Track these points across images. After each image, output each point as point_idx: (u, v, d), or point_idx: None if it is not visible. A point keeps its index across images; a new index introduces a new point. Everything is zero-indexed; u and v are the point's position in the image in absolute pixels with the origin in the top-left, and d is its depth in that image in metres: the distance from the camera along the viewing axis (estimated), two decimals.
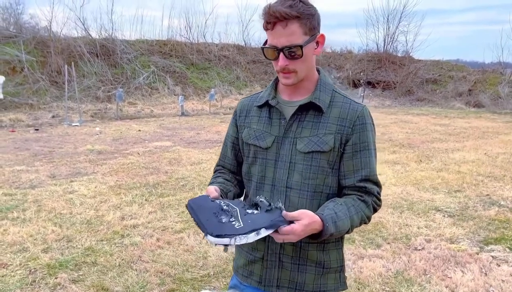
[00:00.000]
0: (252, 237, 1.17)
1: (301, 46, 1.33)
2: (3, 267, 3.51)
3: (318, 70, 1.50)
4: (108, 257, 3.75)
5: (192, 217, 1.26)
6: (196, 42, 21.44)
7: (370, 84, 23.66)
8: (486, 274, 3.60)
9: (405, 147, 9.66)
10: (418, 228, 4.63)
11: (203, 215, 1.24)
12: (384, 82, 23.71)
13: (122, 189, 5.85)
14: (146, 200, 5.42)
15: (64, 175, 6.56)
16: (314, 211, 1.32)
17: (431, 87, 23.45)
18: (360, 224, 1.42)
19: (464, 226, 4.71)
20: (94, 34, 18.68)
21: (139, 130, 11.68)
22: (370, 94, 22.77)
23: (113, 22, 20.48)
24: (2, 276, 3.35)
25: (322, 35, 1.42)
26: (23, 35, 16.22)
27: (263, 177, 1.48)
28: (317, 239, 1.31)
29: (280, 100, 1.49)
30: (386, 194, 5.86)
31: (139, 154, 8.35)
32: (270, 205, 1.28)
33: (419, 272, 3.61)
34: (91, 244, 4.01)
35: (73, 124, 12.47)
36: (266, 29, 1.35)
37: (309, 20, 1.34)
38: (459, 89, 22.48)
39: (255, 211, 1.28)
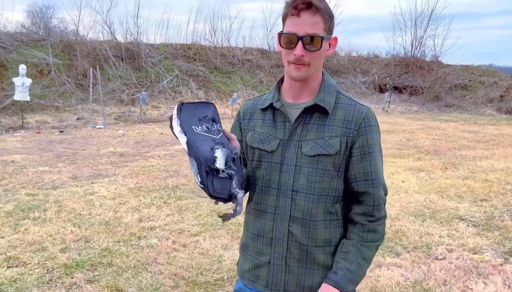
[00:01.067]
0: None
1: (322, 38, 1.34)
2: (22, 266, 3.62)
3: (321, 72, 1.50)
4: (124, 258, 3.82)
5: (172, 116, 1.32)
6: (220, 46, 21.64)
7: (396, 89, 23.34)
8: (510, 286, 3.49)
9: (431, 153, 9.48)
10: (440, 237, 4.54)
11: (187, 111, 1.32)
12: (411, 87, 23.35)
13: (142, 191, 5.94)
14: (164, 202, 5.49)
15: (86, 176, 6.71)
16: (320, 214, 1.40)
17: (461, 93, 22.96)
18: (376, 250, 1.48)
19: (488, 236, 4.59)
20: (119, 38, 19.13)
21: (162, 133, 11.85)
22: (397, 100, 22.47)
23: (139, 26, 20.90)
24: (21, 274, 3.45)
25: (336, 38, 1.43)
26: (51, 38, 16.73)
27: (269, 181, 1.47)
28: None
29: (284, 103, 1.49)
30: (409, 201, 5.77)
31: (160, 156, 8.47)
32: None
33: (439, 282, 3.54)
34: (108, 245, 4.09)
35: (97, 126, 12.75)
36: (290, 15, 1.34)
37: (330, 20, 1.36)
38: (490, 95, 21.93)
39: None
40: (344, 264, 1.40)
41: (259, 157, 1.51)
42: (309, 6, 1.31)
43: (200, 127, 1.31)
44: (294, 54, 1.34)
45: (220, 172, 1.25)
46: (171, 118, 1.32)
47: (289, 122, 1.45)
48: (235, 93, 17.55)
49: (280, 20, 1.45)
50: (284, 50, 1.38)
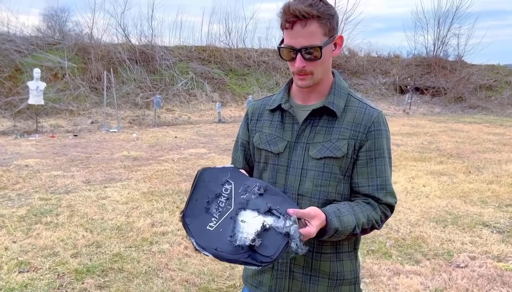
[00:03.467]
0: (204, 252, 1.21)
1: (320, 48, 1.32)
2: (33, 271, 3.67)
3: (333, 73, 1.49)
4: (135, 264, 3.84)
5: (193, 182, 1.32)
6: (235, 47, 21.71)
7: (418, 90, 23.06)
8: None
9: (454, 157, 9.32)
10: (462, 243, 4.45)
11: (200, 192, 1.29)
12: (434, 88, 23.04)
13: (154, 196, 5.98)
14: (177, 207, 5.52)
15: (99, 181, 6.79)
16: None
17: (485, 93, 22.55)
18: (369, 225, 1.38)
19: None
20: (134, 41, 19.35)
21: (176, 137, 11.94)
22: (418, 101, 22.20)
23: (153, 28, 21.13)
24: (31, 280, 3.50)
25: (341, 37, 1.40)
26: (66, 42, 17.03)
27: (274, 184, 1.46)
28: (322, 237, 1.29)
29: (293, 104, 1.48)
30: (430, 206, 5.68)
31: (173, 160, 8.53)
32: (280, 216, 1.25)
33: (460, 291, 3.46)
34: (120, 250, 4.12)
35: (111, 130, 12.92)
36: (284, 28, 1.34)
37: (329, 21, 1.33)
38: None
39: (247, 225, 1.24)
40: (334, 205, 1.37)
41: (265, 158, 1.50)
42: (301, 17, 1.28)
43: (212, 217, 1.27)
44: (296, 67, 1.35)
45: (255, 245, 1.20)
46: (183, 223, 1.29)
47: (297, 124, 1.44)
48: (250, 96, 17.58)
49: None
50: (287, 61, 1.39)
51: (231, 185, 1.32)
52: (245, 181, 1.34)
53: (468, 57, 32.30)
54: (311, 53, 1.32)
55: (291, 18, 1.29)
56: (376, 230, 1.45)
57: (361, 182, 1.42)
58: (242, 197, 1.29)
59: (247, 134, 1.59)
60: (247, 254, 1.19)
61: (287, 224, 1.20)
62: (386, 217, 1.44)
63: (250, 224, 1.22)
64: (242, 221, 1.24)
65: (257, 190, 1.30)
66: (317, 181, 1.41)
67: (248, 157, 1.62)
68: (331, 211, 1.31)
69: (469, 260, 4.05)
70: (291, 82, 1.53)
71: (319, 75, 1.39)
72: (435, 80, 23.39)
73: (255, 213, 1.24)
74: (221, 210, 1.27)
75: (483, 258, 4.10)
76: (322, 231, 1.28)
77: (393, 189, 1.45)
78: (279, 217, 1.22)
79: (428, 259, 4.08)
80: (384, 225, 1.49)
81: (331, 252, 1.43)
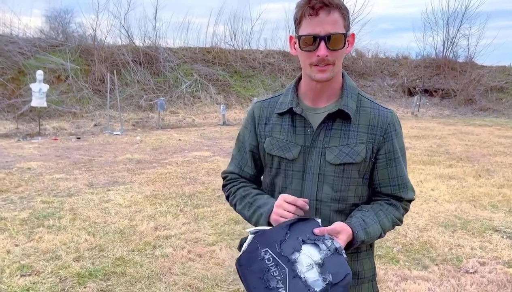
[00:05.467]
0: None
1: (345, 35, 1.34)
2: (35, 274, 3.70)
3: (342, 74, 1.50)
4: (138, 268, 3.86)
5: (240, 278, 1.30)
6: (240, 49, 21.76)
7: (427, 92, 22.99)
8: None
9: (463, 160, 9.29)
10: (472, 249, 4.43)
11: (251, 279, 1.27)
12: (443, 90, 22.96)
13: (158, 199, 6.01)
14: (180, 210, 5.54)
15: (102, 184, 6.83)
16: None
17: (496, 95, 22.43)
18: (393, 226, 1.47)
19: None
20: (137, 42, 19.45)
21: (180, 139, 11.98)
22: (427, 103, 22.13)
23: (157, 29, 21.19)
24: (33, 283, 3.53)
25: (353, 35, 1.42)
26: (69, 43, 17.16)
27: (290, 190, 1.45)
28: (349, 248, 1.35)
29: (304, 107, 1.46)
30: (438, 211, 5.67)
31: (177, 163, 8.56)
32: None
33: None
34: (122, 254, 4.14)
35: (114, 133, 12.98)
36: (307, 16, 1.33)
37: (347, 15, 1.37)
38: None
39: (308, 271, 1.25)
40: (359, 214, 1.41)
41: (278, 164, 1.49)
42: (327, 4, 1.31)
43: (279, 289, 1.24)
44: (318, 56, 1.33)
45: (328, 280, 1.23)
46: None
47: (311, 128, 1.43)
48: (255, 98, 17.59)
49: None
50: (304, 52, 1.37)
51: (268, 251, 1.30)
52: (274, 237, 1.32)
53: (479, 58, 32.04)
54: (336, 41, 1.33)
55: (318, 4, 1.30)
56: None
57: (382, 183, 1.46)
58: (284, 254, 1.29)
59: (255, 139, 1.56)
60: (333, 289, 1.22)
61: (328, 243, 1.27)
62: (407, 211, 1.52)
63: (308, 272, 1.25)
64: (303, 272, 1.25)
65: (284, 236, 1.31)
66: (336, 186, 1.42)
67: (256, 161, 1.59)
68: (357, 224, 1.36)
69: (479, 265, 4.04)
70: (298, 82, 1.52)
71: (336, 68, 1.39)
72: (445, 82, 23.30)
73: (307, 259, 1.26)
74: (280, 278, 1.25)
75: (493, 264, 4.08)
76: (349, 244, 1.34)
77: (411, 183, 1.51)
78: (317, 244, 1.27)
79: (437, 265, 4.07)
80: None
81: (351, 252, 1.43)
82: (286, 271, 1.25)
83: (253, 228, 1.37)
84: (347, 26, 1.36)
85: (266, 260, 1.29)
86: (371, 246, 1.54)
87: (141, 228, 4.84)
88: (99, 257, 4.09)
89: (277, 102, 1.52)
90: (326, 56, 1.32)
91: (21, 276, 3.65)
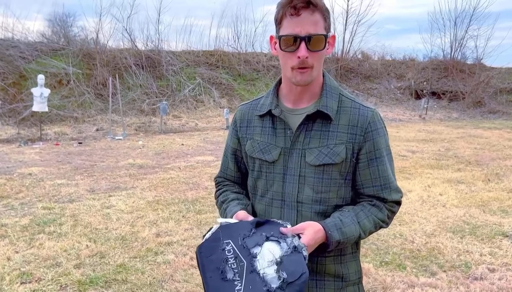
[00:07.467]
0: None
1: (325, 36, 1.35)
2: (36, 282, 3.71)
3: (322, 74, 1.50)
4: (140, 275, 3.86)
5: (198, 266, 1.32)
6: (244, 52, 21.82)
7: (434, 94, 22.95)
8: None
9: (472, 164, 9.25)
10: (481, 255, 4.41)
11: (208, 268, 1.29)
12: (451, 92, 22.91)
13: (160, 205, 6.02)
14: (183, 216, 5.55)
15: (103, 189, 6.85)
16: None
17: (506, 98, 22.36)
18: (376, 228, 1.46)
19: None
20: (140, 46, 19.54)
21: (182, 144, 12.00)
22: (435, 106, 22.08)
23: (160, 33, 21.31)
24: (34, 291, 3.54)
25: (333, 36, 1.43)
26: (71, 47, 17.26)
27: (272, 192, 1.48)
28: (326, 249, 1.35)
29: (283, 109, 1.48)
30: (446, 216, 5.64)
31: (180, 168, 8.57)
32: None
33: None
34: (124, 261, 4.15)
35: (117, 138, 13.02)
36: (289, 15, 1.33)
37: (328, 17, 1.37)
38: None
39: (269, 267, 1.26)
40: (337, 214, 1.41)
41: (259, 167, 1.51)
42: (308, 4, 1.31)
43: (235, 281, 1.26)
44: (298, 57, 1.33)
45: (285, 279, 1.23)
46: None
47: (290, 130, 1.45)
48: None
49: None
50: (284, 53, 1.37)
51: (230, 243, 1.33)
52: (239, 231, 1.34)
53: (488, 59, 32.04)
54: (316, 42, 1.33)
55: (300, 4, 1.31)
56: (383, 228, 1.51)
57: (364, 183, 1.45)
58: (246, 247, 1.31)
59: (236, 142, 1.61)
60: (289, 288, 1.23)
61: (288, 241, 1.28)
62: (394, 213, 1.50)
63: (267, 268, 1.26)
64: (261, 269, 1.26)
65: (249, 231, 1.34)
66: (317, 188, 1.43)
67: (239, 164, 1.64)
68: (332, 224, 1.36)
69: (488, 272, 4.01)
70: (278, 84, 1.54)
71: (316, 71, 1.40)
72: (453, 84, 23.26)
73: (268, 255, 1.28)
74: (237, 270, 1.27)
75: (503, 271, 4.05)
76: (324, 245, 1.35)
77: (397, 184, 1.49)
78: (279, 242, 1.29)
79: (445, 271, 4.04)
80: (398, 235, 1.54)
81: (335, 255, 1.45)
82: (244, 264, 1.27)
83: (224, 219, 1.41)
84: (327, 28, 1.37)
85: (226, 251, 1.32)
86: (357, 248, 1.53)
87: (143, 234, 4.85)
88: (100, 264, 4.10)
89: (258, 105, 1.55)
90: (306, 57, 1.33)
91: (22, 283, 3.66)
